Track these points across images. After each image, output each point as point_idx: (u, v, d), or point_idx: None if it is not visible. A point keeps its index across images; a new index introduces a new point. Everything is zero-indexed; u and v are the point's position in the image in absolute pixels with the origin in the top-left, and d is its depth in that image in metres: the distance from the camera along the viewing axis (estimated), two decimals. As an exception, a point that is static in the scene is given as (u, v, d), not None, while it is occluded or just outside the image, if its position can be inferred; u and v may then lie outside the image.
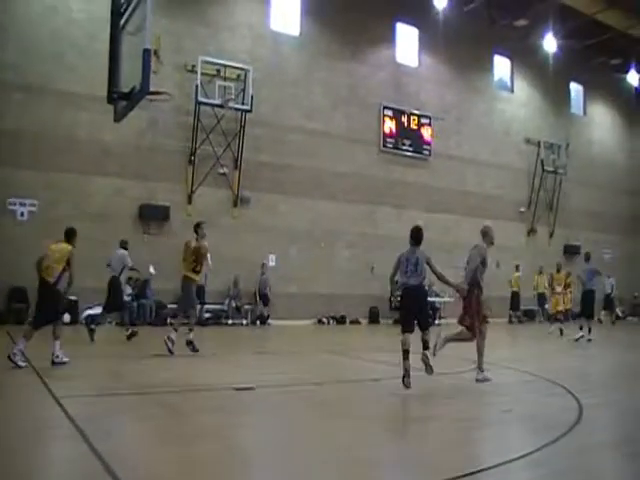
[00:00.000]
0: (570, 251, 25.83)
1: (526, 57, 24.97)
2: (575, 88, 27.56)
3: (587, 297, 14.81)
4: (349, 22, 20.77)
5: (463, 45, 23.12)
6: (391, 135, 21.60)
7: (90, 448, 4.76)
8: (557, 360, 11.64)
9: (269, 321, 18.18)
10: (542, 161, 24.68)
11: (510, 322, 21.83)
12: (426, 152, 22.29)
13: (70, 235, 8.92)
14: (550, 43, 22.77)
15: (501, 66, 25.08)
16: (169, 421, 5.81)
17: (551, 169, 24.90)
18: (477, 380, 8.00)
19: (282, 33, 19.84)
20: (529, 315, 23.13)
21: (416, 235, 7.79)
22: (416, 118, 22.06)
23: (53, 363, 8.58)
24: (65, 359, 8.66)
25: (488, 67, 24.48)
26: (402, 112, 21.78)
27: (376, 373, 8.91)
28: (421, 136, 22.18)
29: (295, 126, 19.63)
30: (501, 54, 24.81)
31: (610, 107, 28.61)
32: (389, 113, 21.55)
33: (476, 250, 8.24)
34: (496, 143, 24.08)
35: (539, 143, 24.80)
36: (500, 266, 23.29)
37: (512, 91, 25.24)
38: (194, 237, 10.20)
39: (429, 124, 22.31)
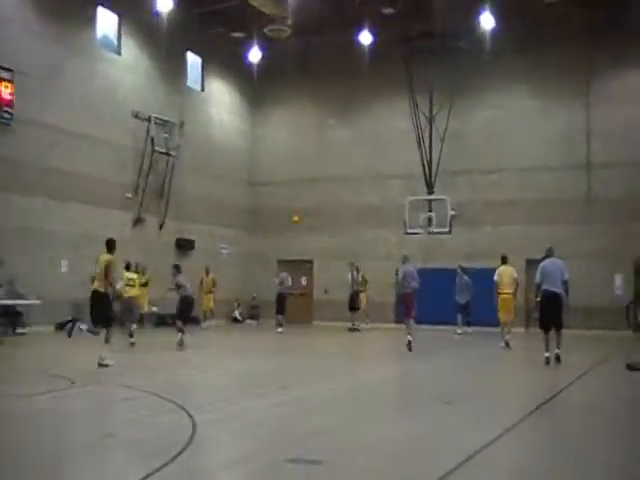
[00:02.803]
0: (183, 245, 27.18)
1: (138, 15, 25.25)
2: (192, 59, 28.94)
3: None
4: None
5: (60, -13, 22.33)
6: (-41, 89, 19.53)
7: None
8: (170, 372, 12.43)
9: None
10: (152, 140, 25.29)
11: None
12: (6, 116, 20.77)
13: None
14: (164, 3, 23.32)
15: (107, 21, 24.83)
16: None
17: (163, 150, 25.64)
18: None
19: None
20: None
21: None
22: (-6, 71, 20.38)
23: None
24: None
25: (91, 19, 24.02)
26: (-25, 61, 19.87)
27: None
28: None
29: None
30: (107, 7, 24.55)
31: (231, 86, 30.79)
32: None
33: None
34: (98, 113, 23.78)
35: (150, 118, 25.27)
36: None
37: (119, 53, 25.21)
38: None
39: (11, 80, 20.82)
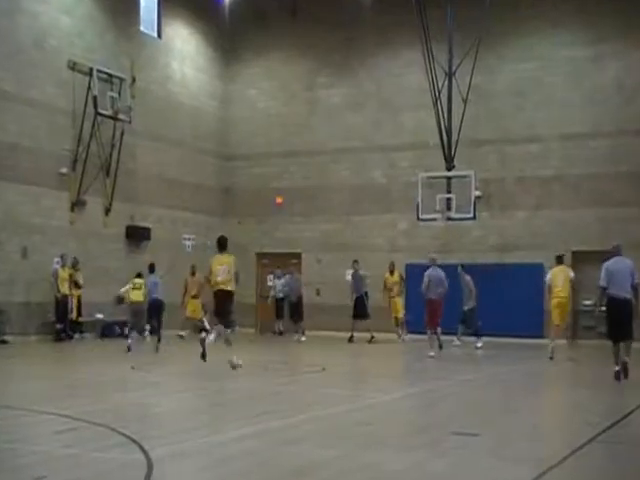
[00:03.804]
0: (136, 235, 26.89)
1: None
2: (146, -5, 28.60)
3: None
4: None
5: None
6: None
7: None
8: (121, 395, 12.57)
9: None
10: (95, 99, 24.93)
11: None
12: None
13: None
14: None
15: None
16: None
17: (109, 113, 25.30)
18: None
19: None
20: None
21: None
22: None
23: None
24: None
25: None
26: None
27: None
28: None
29: None
30: None
31: (197, 32, 30.42)
32: None
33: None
34: (22, 62, 23.41)
35: (91, 71, 24.93)
36: (28, 255, 23.08)
37: (53, -14, 24.98)
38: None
39: None
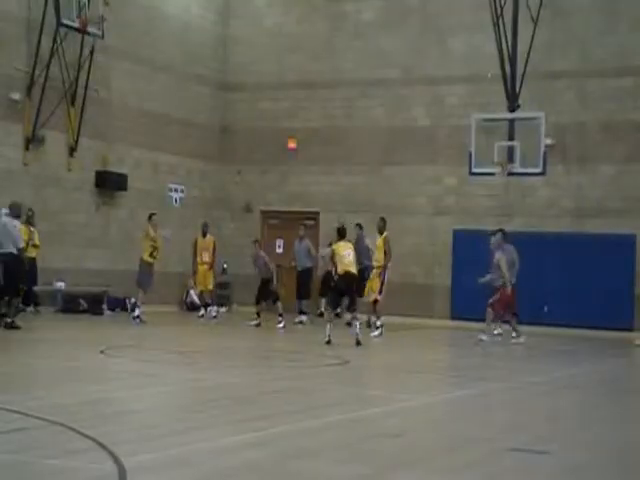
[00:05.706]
0: (109, 183, 26.96)
1: None
2: None
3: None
4: None
5: None
6: None
7: None
8: (80, 386, 12.45)
9: None
10: (57, 5, 24.80)
11: None
12: None
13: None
14: None
15: None
16: None
17: (75, 24, 25.31)
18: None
19: None
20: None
21: None
22: None
23: None
24: None
25: None
26: None
27: None
28: None
29: None
30: None
31: None
32: None
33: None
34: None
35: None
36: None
37: None
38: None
39: None
